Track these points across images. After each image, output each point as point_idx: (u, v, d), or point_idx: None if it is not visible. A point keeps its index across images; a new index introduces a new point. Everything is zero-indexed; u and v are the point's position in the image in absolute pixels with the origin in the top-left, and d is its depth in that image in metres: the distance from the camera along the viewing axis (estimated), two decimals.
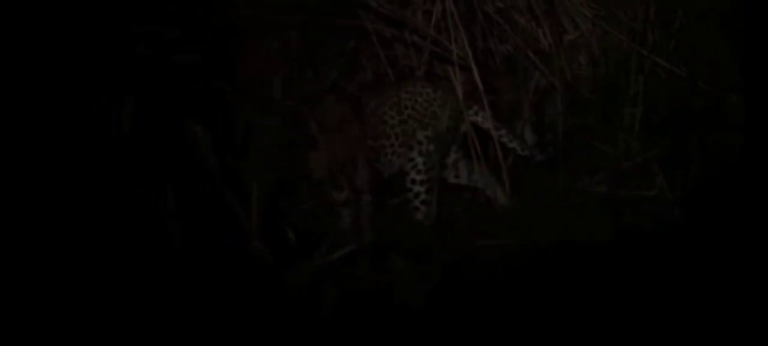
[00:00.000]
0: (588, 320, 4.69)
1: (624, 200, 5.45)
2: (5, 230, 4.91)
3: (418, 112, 5.28)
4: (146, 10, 5.23)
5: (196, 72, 5.29)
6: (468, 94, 5.50)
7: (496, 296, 4.88)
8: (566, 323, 4.68)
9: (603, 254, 5.13)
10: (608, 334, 4.62)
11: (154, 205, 5.14)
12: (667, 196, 5.41)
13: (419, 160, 5.29)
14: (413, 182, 5.31)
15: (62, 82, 5.20)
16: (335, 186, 5.22)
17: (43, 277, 4.82)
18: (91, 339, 4.62)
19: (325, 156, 5.19)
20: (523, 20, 5.67)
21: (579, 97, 5.60)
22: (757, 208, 5.13)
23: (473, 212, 5.49)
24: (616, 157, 5.55)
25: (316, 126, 5.25)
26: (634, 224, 5.33)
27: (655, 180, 5.45)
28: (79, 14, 5.19)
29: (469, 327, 4.75)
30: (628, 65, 5.55)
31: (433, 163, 5.30)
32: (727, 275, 4.80)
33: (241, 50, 5.32)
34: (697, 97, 5.45)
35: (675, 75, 5.48)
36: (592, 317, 4.70)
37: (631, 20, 5.61)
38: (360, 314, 4.86)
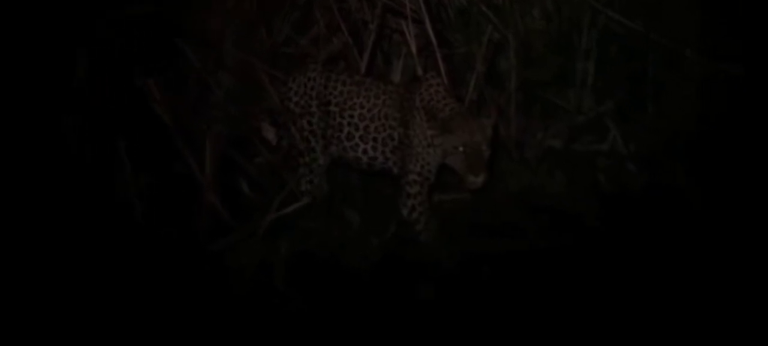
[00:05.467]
0: (547, 273, 4.74)
1: (578, 153, 5.49)
2: None
3: None
4: None
5: (149, 25, 5.23)
6: (421, 47, 5.49)
7: (453, 252, 4.92)
8: (525, 278, 4.72)
9: (559, 206, 5.19)
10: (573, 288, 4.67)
11: (107, 159, 5.10)
12: (621, 150, 5.45)
13: None
14: None
15: (12, 33, 5.15)
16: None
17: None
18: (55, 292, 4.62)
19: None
20: None
21: (532, 51, 5.59)
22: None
23: None
24: (569, 112, 5.56)
25: (267, 80, 5.21)
26: (589, 178, 5.38)
27: (608, 135, 5.49)
28: None
29: (426, 281, 4.77)
30: (581, 19, 5.56)
31: None
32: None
33: (195, 4, 5.26)
34: (652, 51, 5.47)
35: (630, 29, 5.48)
36: (553, 270, 4.75)
37: None
38: (314, 269, 4.85)
